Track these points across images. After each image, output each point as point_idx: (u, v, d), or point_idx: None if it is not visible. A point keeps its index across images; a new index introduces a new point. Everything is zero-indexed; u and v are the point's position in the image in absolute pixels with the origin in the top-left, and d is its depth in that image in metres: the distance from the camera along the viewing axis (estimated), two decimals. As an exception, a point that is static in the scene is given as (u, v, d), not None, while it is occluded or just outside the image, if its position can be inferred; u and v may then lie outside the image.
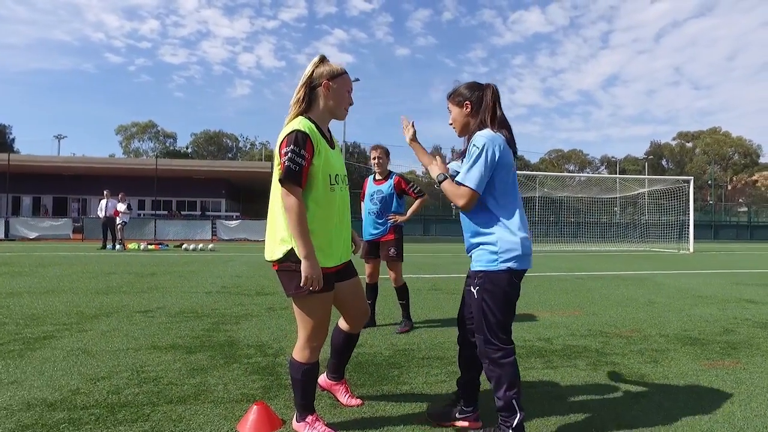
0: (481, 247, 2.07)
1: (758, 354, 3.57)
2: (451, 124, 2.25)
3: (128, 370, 3.01)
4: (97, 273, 8.24)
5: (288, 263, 1.96)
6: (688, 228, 17.58)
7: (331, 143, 2.09)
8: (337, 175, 2.04)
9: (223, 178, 33.18)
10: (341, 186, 2.07)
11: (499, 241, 2.02)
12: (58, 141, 56.77)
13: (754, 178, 60.12)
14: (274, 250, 2.01)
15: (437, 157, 2.25)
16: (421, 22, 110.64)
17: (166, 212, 30.76)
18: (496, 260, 2.01)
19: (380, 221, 4.30)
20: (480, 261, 2.06)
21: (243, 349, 3.53)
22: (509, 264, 2.00)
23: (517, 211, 2.08)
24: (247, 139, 73.88)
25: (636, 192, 21.11)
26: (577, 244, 21.36)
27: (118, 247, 14.73)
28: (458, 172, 2.17)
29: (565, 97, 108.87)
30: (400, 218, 4.29)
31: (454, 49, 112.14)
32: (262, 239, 20.79)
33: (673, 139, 70.32)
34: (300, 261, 1.92)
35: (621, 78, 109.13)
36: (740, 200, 51.03)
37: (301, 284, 1.90)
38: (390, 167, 4.46)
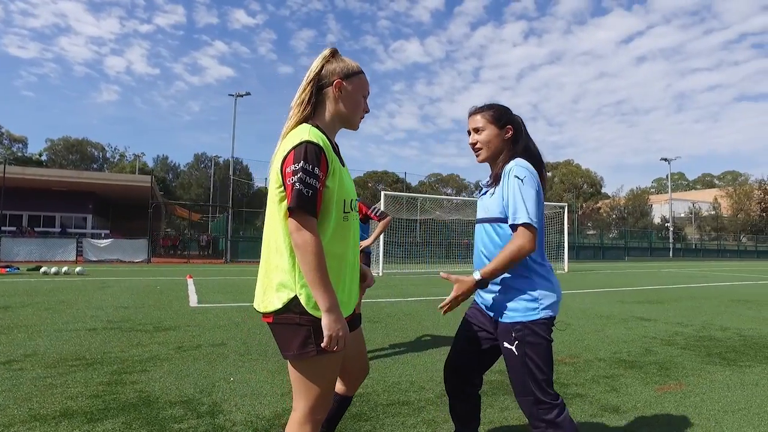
0: (514, 294, 1.79)
1: (690, 374, 3.79)
2: (475, 144, 1.92)
3: (7, 456, 2.18)
4: (-75, 308, 6.43)
5: (290, 314, 1.48)
6: (563, 249, 19.49)
7: (341, 159, 1.67)
8: (352, 200, 1.62)
9: (89, 191, 29.18)
10: (354, 213, 1.65)
11: (539, 287, 1.78)
12: None
13: (598, 205, 69.53)
14: (270, 299, 1.51)
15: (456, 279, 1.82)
16: (306, 42, 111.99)
17: (14, 228, 26.08)
18: (536, 308, 1.76)
19: None
20: (515, 310, 1.78)
21: (166, 409, 2.82)
22: (549, 311, 1.77)
23: (540, 247, 1.85)
24: (115, 149, 66.80)
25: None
26: (467, 266, 22.46)
27: (-52, 272, 11.92)
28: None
29: (441, 124, 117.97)
30: (363, 243, 4.04)
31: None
32: (139, 260, 18.53)
33: (537, 168, 78.80)
34: (305, 312, 1.47)
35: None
36: (589, 224, 58.48)
37: (323, 345, 1.44)
38: None
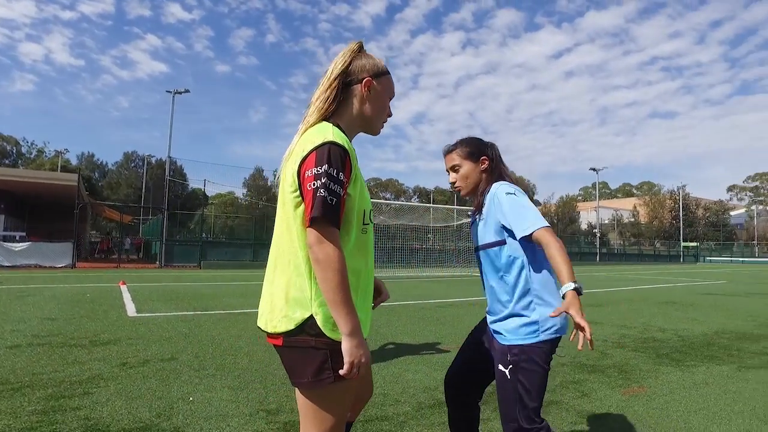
0: (514, 316, 1.73)
1: (647, 376, 3.95)
2: (454, 182, 1.94)
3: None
4: None
5: (304, 337, 1.31)
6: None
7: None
8: (370, 211, 1.46)
9: (1, 190, 26.47)
10: (372, 226, 1.49)
11: (538, 309, 1.69)
12: None
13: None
14: (280, 318, 1.33)
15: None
16: (244, 41, 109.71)
17: None
18: (536, 331, 1.68)
19: None
20: (514, 333, 1.71)
21: (121, 438, 2.51)
22: (550, 334, 1.68)
23: (547, 271, 1.74)
24: (32, 144, 61.24)
25: (461, 222, 23.51)
26: (410, 269, 22.66)
27: None
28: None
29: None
30: None
31: (276, 72, 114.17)
32: (61, 266, 17.02)
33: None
34: (322, 334, 1.30)
35: (427, 117, 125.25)
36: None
37: (343, 372, 1.28)
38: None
